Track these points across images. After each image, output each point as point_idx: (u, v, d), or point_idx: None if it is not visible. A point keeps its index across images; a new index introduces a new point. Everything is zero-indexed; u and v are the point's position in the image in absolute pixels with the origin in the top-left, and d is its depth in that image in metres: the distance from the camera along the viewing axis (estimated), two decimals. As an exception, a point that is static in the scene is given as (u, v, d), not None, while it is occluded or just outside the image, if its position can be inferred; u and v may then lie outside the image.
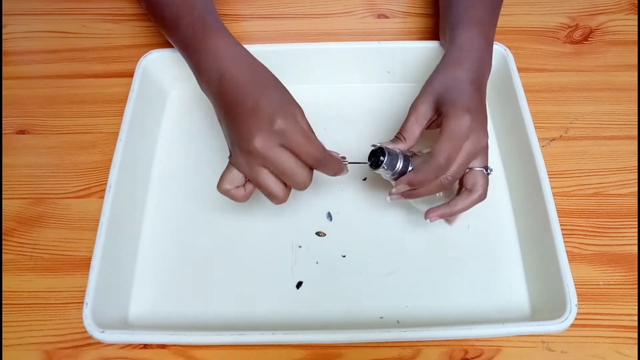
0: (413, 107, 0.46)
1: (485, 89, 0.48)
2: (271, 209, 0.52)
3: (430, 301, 0.47)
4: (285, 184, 0.42)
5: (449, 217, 0.48)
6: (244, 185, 0.43)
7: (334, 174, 0.44)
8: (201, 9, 0.48)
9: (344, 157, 0.44)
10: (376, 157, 0.44)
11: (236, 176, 0.42)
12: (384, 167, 0.43)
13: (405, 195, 0.45)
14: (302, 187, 0.42)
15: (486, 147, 0.44)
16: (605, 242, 0.50)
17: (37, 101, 0.60)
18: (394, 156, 0.43)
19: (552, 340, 0.45)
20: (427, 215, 0.45)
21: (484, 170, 0.44)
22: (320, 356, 0.45)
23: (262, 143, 0.39)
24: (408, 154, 0.45)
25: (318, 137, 0.42)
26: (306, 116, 0.42)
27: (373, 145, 0.44)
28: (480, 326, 0.42)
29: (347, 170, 0.44)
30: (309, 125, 0.42)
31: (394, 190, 0.45)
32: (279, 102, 0.41)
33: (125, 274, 0.48)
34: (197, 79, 0.47)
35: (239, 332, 0.41)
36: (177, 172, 0.55)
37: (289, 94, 0.43)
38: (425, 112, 0.45)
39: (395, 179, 0.44)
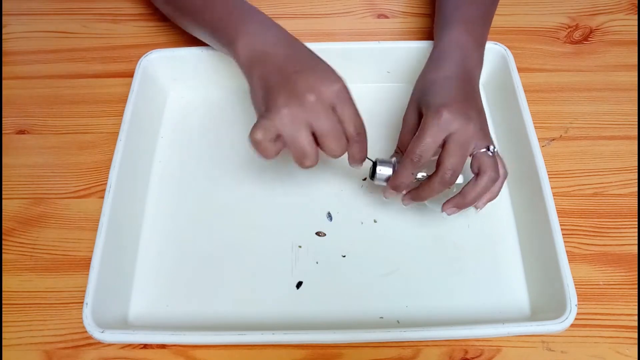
0: (404, 117, 0.48)
1: (475, 83, 0.47)
2: (271, 209, 0.52)
3: (430, 301, 0.47)
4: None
5: (472, 205, 0.47)
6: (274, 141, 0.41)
7: (356, 159, 0.44)
8: None
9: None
10: (373, 169, 0.46)
11: (271, 127, 0.40)
12: (378, 179, 0.46)
13: (414, 198, 0.45)
14: (337, 154, 0.42)
15: (479, 131, 0.43)
16: (605, 242, 0.50)
17: (37, 101, 0.60)
18: (386, 167, 0.45)
19: (552, 340, 0.45)
20: (443, 208, 0.45)
21: (487, 151, 0.43)
22: (320, 356, 0.45)
23: (321, 96, 0.40)
24: None
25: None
26: None
27: (369, 159, 0.46)
28: (480, 326, 0.42)
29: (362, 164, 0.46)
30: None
31: (385, 196, 0.47)
32: (334, 71, 0.43)
33: (125, 274, 0.48)
34: (234, 50, 0.46)
35: (239, 332, 0.41)
36: (177, 172, 0.55)
37: None
38: (411, 120, 0.46)
39: None
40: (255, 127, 0.40)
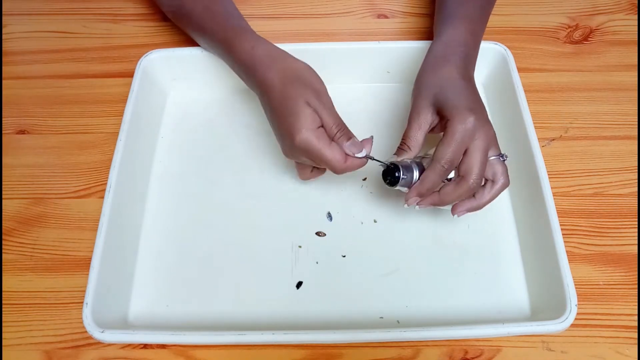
0: (414, 114, 0.45)
1: (474, 82, 0.47)
2: (271, 209, 0.52)
3: (430, 301, 0.47)
4: None
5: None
6: (311, 171, 0.49)
7: (355, 149, 0.45)
8: (222, 14, 0.52)
9: (366, 155, 0.44)
10: (391, 174, 0.44)
11: (303, 167, 0.49)
12: (402, 184, 0.44)
13: (435, 203, 0.44)
14: (338, 172, 0.45)
15: (494, 137, 0.44)
16: (605, 242, 0.50)
17: (37, 101, 0.60)
18: (408, 169, 0.44)
19: (552, 340, 0.45)
20: (453, 210, 0.45)
21: (500, 158, 0.44)
22: (320, 356, 0.45)
23: (292, 154, 0.45)
24: (417, 160, 0.45)
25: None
26: None
27: (382, 165, 0.45)
28: (480, 326, 0.42)
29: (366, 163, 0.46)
30: (334, 115, 0.44)
31: (406, 205, 0.45)
32: (295, 111, 0.43)
33: (125, 274, 0.48)
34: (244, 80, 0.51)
35: (239, 332, 0.41)
36: (177, 172, 0.55)
37: (308, 88, 0.44)
38: (426, 118, 0.45)
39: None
40: (299, 174, 0.51)
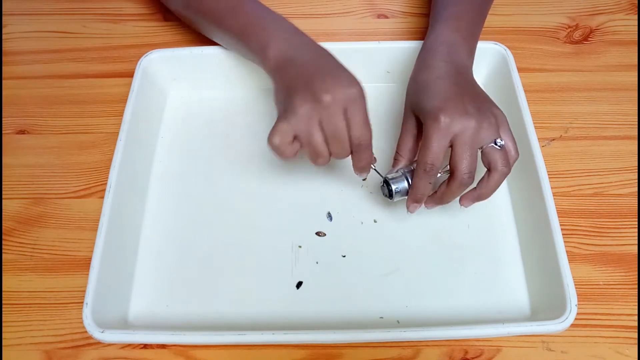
0: (403, 123, 0.48)
1: (467, 74, 0.47)
2: (271, 209, 0.52)
3: (430, 301, 0.47)
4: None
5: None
6: (292, 143, 0.43)
7: (360, 168, 0.46)
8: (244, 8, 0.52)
9: (375, 159, 0.47)
10: (386, 188, 0.47)
11: (287, 130, 0.42)
12: (397, 194, 0.46)
13: (437, 202, 0.46)
14: (340, 157, 0.44)
15: (482, 124, 0.42)
16: (605, 242, 0.50)
17: (37, 101, 0.60)
18: (399, 181, 0.46)
19: (552, 340, 0.45)
20: (461, 202, 0.46)
21: (495, 146, 0.43)
22: (320, 356, 0.45)
23: (334, 99, 0.41)
24: (412, 167, 0.46)
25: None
26: None
27: (380, 176, 0.47)
28: (480, 326, 0.42)
29: (367, 174, 0.48)
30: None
31: (410, 211, 0.47)
32: (354, 76, 0.43)
33: (125, 274, 0.48)
34: (262, 55, 0.48)
35: (239, 332, 0.41)
36: (177, 172, 0.55)
37: None
38: (411, 126, 0.46)
39: None
40: (273, 132, 0.42)
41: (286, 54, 0.46)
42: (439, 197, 0.46)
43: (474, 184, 0.45)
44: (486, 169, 0.44)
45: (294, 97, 0.42)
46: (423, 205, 0.47)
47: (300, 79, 0.43)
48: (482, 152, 0.43)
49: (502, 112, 0.45)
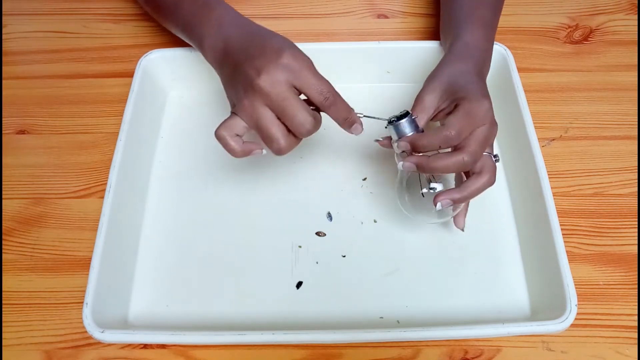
0: (418, 97, 0.45)
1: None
2: (271, 209, 0.52)
3: (430, 301, 0.47)
4: (288, 130, 0.40)
5: (458, 217, 0.47)
6: (240, 136, 0.41)
7: (345, 121, 0.42)
8: None
9: (360, 113, 0.43)
10: (394, 120, 0.43)
11: (235, 124, 0.40)
12: (397, 126, 0.43)
13: (419, 164, 0.42)
14: (304, 130, 0.40)
15: (495, 135, 0.44)
16: (605, 242, 0.50)
17: (37, 101, 0.60)
18: (413, 123, 0.43)
19: (552, 340, 0.45)
20: (435, 199, 0.42)
21: (492, 156, 0.44)
22: (320, 356, 0.45)
23: (268, 77, 0.38)
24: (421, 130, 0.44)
25: (317, 137, 0.43)
26: None
27: (381, 119, 0.44)
28: (480, 326, 0.42)
29: (362, 129, 0.43)
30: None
31: (399, 146, 0.43)
32: (287, 42, 0.41)
33: (125, 274, 0.48)
34: (203, 52, 0.47)
35: (239, 332, 0.41)
36: (177, 172, 0.55)
37: (296, 46, 0.42)
38: (431, 101, 0.44)
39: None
40: (220, 125, 0.41)
41: (219, 45, 0.44)
42: (428, 160, 0.42)
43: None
44: (473, 173, 0.44)
45: (235, 91, 0.41)
46: (399, 164, 0.43)
47: (235, 72, 0.41)
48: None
49: None
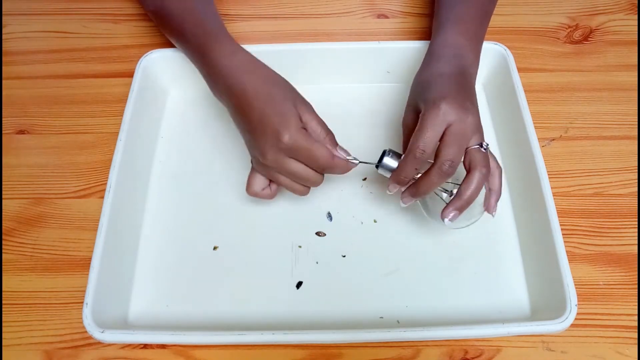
0: (403, 122, 0.47)
1: (470, 79, 0.47)
2: (271, 209, 0.52)
3: (431, 301, 0.47)
4: None
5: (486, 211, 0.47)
6: (269, 186, 0.47)
7: (343, 174, 0.46)
8: (202, 17, 0.50)
9: (355, 158, 0.45)
10: (380, 157, 0.45)
11: (260, 179, 0.47)
12: (382, 167, 0.45)
13: (413, 194, 0.44)
14: (316, 185, 0.46)
15: (475, 124, 0.43)
16: (605, 242, 0.50)
17: (37, 101, 0.60)
18: (394, 159, 0.44)
19: (552, 340, 0.45)
20: (442, 215, 0.43)
21: (480, 147, 0.43)
22: (320, 356, 0.45)
23: (273, 158, 0.43)
24: None
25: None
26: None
27: (372, 164, 0.46)
28: (480, 326, 0.42)
29: (356, 165, 0.46)
30: (320, 120, 0.44)
31: (388, 190, 0.46)
32: (281, 114, 0.43)
33: (125, 274, 0.48)
34: (209, 88, 0.49)
35: (239, 332, 0.41)
36: (177, 172, 0.55)
37: (293, 95, 0.44)
38: (411, 121, 0.46)
39: None
40: (248, 184, 0.47)
41: (225, 96, 0.46)
42: (415, 187, 0.44)
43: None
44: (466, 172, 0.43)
45: (249, 150, 0.46)
46: (401, 201, 0.45)
47: (242, 129, 0.45)
48: (466, 152, 0.43)
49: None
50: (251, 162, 0.47)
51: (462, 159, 0.43)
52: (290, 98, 0.44)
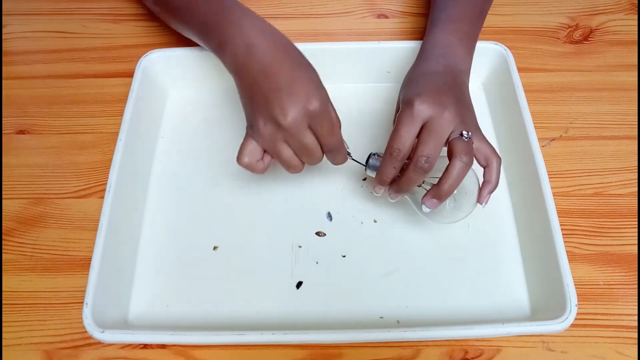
0: (393, 122, 0.47)
1: (458, 75, 0.46)
2: (271, 209, 0.52)
3: (430, 301, 0.47)
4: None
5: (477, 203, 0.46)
6: (262, 159, 0.44)
7: (337, 164, 0.46)
8: None
9: (349, 153, 0.46)
10: (367, 160, 0.46)
11: (255, 149, 0.43)
12: (369, 168, 0.46)
13: (396, 190, 0.45)
14: (315, 163, 0.45)
15: (455, 118, 0.42)
16: (605, 242, 0.50)
17: (37, 101, 0.60)
18: (379, 160, 0.45)
19: (552, 340, 0.45)
20: (422, 202, 0.43)
21: (460, 137, 0.42)
22: (320, 356, 0.45)
23: (294, 120, 0.40)
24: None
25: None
26: None
27: (362, 164, 0.47)
28: (480, 326, 0.42)
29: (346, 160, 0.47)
30: (333, 107, 0.43)
31: (374, 192, 0.47)
32: (314, 83, 0.42)
33: (125, 274, 0.48)
34: (220, 56, 0.46)
35: (239, 332, 0.41)
36: (177, 172, 0.55)
37: (318, 74, 0.44)
38: (395, 121, 0.46)
39: None
40: (240, 151, 0.44)
41: (240, 51, 0.43)
42: (397, 184, 0.44)
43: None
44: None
45: (256, 115, 0.42)
46: (389, 197, 0.46)
47: (258, 93, 0.42)
48: (448, 144, 0.42)
49: (478, 126, 0.46)
50: (247, 130, 0.44)
51: (446, 152, 0.43)
52: (319, 79, 0.43)
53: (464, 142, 0.42)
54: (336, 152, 0.44)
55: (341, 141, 0.44)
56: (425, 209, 0.44)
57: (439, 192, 0.42)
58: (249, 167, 0.44)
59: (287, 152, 0.43)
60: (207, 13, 0.47)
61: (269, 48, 0.43)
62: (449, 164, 0.42)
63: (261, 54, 0.43)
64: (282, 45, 0.44)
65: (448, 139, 0.42)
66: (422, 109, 0.41)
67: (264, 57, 0.42)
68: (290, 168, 0.44)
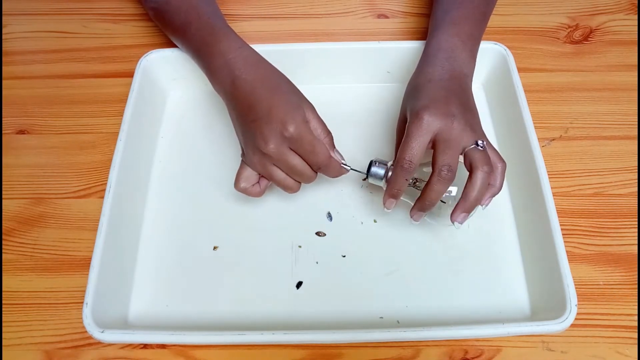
0: (396, 129, 0.49)
1: (462, 80, 0.47)
2: (271, 209, 0.52)
3: (430, 301, 0.47)
4: None
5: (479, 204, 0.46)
6: (258, 182, 0.47)
7: (334, 177, 0.47)
8: (208, 13, 0.51)
9: (345, 164, 0.47)
10: (368, 168, 0.47)
11: (250, 174, 0.47)
12: (371, 176, 0.46)
13: (421, 208, 0.44)
14: (309, 182, 0.47)
15: (465, 126, 0.43)
16: (605, 242, 0.50)
17: (37, 101, 0.60)
18: (381, 167, 0.46)
19: (552, 340, 0.45)
20: (452, 219, 0.43)
21: (476, 146, 0.43)
22: (320, 356, 0.45)
23: (275, 147, 0.43)
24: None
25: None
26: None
27: (362, 174, 0.48)
28: (480, 326, 0.42)
29: (347, 171, 0.48)
30: (320, 121, 0.46)
31: (385, 208, 0.46)
32: (289, 105, 0.44)
33: (125, 274, 0.48)
34: (210, 81, 0.49)
35: (239, 332, 0.41)
36: (177, 172, 0.55)
37: (298, 93, 0.46)
38: (402, 127, 0.46)
39: None
40: (237, 178, 0.47)
41: (226, 81, 0.47)
42: (421, 201, 0.44)
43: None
44: (468, 172, 0.43)
45: (245, 144, 0.46)
46: (411, 219, 0.46)
47: (244, 123, 0.45)
48: (464, 155, 0.43)
49: (483, 132, 0.45)
50: (241, 157, 0.47)
51: (463, 161, 0.43)
52: (296, 92, 0.46)
53: (480, 152, 0.43)
54: (325, 168, 0.45)
55: (327, 158, 0.45)
56: (457, 225, 0.44)
57: (467, 205, 0.43)
58: (246, 192, 0.47)
59: (279, 174, 0.45)
60: (198, 41, 0.50)
61: (250, 77, 0.46)
62: (471, 175, 0.42)
63: (243, 85, 0.45)
64: (261, 74, 0.46)
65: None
66: (431, 121, 0.42)
67: (246, 88, 0.45)
68: (286, 189, 0.47)
